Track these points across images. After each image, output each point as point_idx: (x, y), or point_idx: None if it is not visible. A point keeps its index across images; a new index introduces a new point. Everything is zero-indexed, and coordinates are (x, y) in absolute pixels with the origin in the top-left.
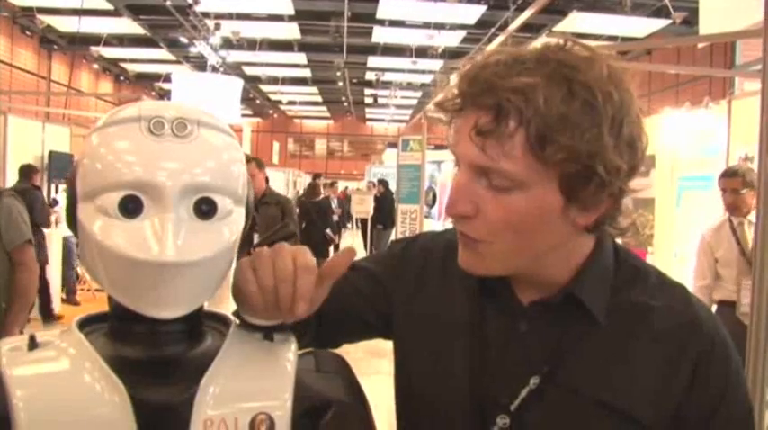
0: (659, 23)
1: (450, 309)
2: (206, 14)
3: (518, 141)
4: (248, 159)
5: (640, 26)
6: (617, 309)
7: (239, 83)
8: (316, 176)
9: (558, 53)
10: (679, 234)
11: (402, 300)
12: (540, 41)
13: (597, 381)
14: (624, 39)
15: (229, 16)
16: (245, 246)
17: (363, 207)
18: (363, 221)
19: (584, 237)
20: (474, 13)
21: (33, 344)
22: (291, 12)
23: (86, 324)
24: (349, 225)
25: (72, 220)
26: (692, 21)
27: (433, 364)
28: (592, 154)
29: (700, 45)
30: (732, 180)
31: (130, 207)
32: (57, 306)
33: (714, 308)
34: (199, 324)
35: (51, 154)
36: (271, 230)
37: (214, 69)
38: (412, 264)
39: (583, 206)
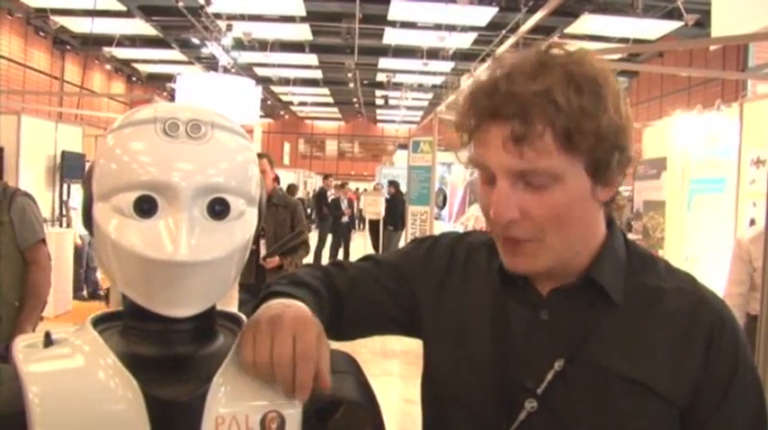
0: (671, 25)
1: (473, 303)
2: (218, 15)
3: (548, 139)
4: (260, 155)
5: (652, 28)
6: (631, 292)
7: (252, 83)
8: (326, 177)
9: (553, 56)
10: (690, 237)
11: (428, 297)
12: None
13: (619, 359)
14: (636, 41)
15: (241, 17)
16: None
17: (375, 208)
18: (372, 222)
19: (600, 215)
20: (485, 14)
21: (48, 342)
22: (303, 13)
23: (100, 322)
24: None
25: (88, 219)
26: (704, 23)
27: (460, 355)
28: (614, 131)
29: (712, 47)
30: None
31: (145, 207)
32: (68, 301)
33: (743, 321)
34: (211, 323)
35: (64, 154)
36: (281, 241)
37: (226, 70)
38: (438, 263)
39: (604, 184)
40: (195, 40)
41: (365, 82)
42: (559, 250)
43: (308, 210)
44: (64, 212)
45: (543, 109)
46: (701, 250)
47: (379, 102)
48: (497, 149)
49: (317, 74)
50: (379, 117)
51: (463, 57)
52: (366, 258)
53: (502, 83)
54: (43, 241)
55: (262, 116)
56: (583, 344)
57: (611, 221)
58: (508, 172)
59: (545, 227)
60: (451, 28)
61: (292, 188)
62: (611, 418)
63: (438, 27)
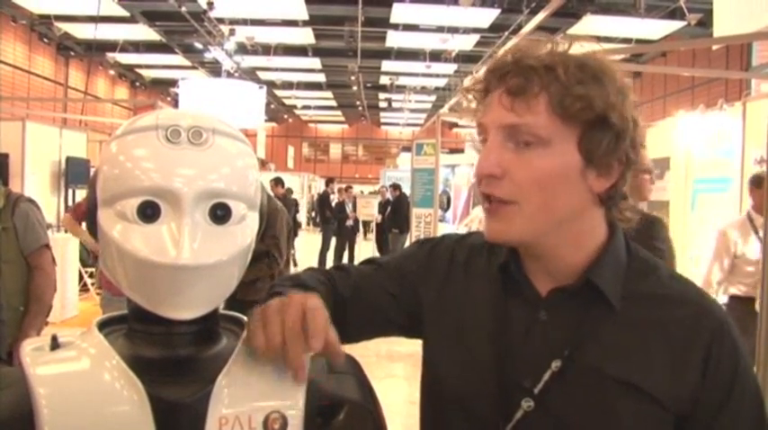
0: (674, 25)
1: (474, 303)
2: (220, 20)
3: (542, 100)
4: None
5: (655, 28)
6: (631, 297)
7: (255, 87)
8: (329, 181)
9: (568, 46)
10: (694, 237)
11: (430, 298)
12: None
13: (616, 362)
14: (638, 41)
15: (244, 22)
16: None
17: (368, 209)
18: (378, 225)
19: (597, 214)
20: (487, 16)
21: (55, 345)
22: (305, 17)
23: (106, 325)
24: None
25: (93, 225)
26: (706, 22)
27: (459, 354)
28: (605, 104)
29: (715, 47)
30: None
31: (148, 212)
32: (75, 306)
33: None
34: (214, 325)
35: (68, 159)
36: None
37: (229, 74)
38: (439, 263)
39: (598, 170)
40: (198, 45)
41: (368, 85)
42: (536, 220)
43: (313, 213)
44: None
45: (543, 75)
46: (706, 250)
47: (383, 104)
48: (495, 105)
49: (321, 77)
50: (382, 120)
51: (466, 59)
52: (369, 261)
53: (511, 56)
54: (47, 246)
55: (265, 120)
56: (580, 345)
57: (614, 225)
58: (499, 126)
59: (523, 189)
60: (454, 30)
61: (288, 191)
62: (606, 419)
63: (440, 29)
